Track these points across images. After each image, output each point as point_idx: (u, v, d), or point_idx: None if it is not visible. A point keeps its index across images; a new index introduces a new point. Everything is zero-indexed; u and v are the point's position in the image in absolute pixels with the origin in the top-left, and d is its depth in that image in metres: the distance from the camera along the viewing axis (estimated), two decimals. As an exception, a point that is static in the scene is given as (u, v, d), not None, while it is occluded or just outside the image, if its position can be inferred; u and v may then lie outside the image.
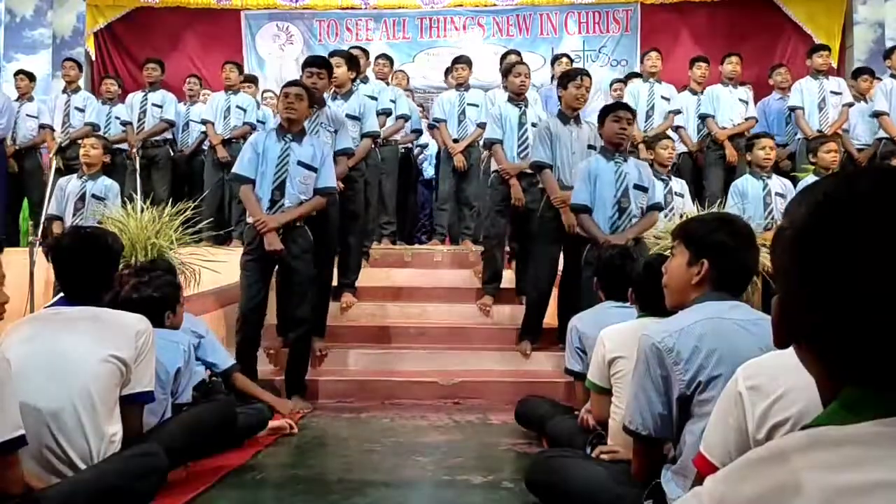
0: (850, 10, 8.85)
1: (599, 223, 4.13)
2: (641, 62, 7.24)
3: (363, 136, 4.97)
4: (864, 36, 8.69)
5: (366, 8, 9.52)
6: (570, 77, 4.66)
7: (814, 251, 0.66)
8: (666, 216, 4.90)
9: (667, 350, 1.83)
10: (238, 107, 6.94)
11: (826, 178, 0.70)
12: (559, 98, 4.72)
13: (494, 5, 9.53)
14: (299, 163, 4.02)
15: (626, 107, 4.38)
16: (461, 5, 9.55)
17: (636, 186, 4.19)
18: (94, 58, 9.37)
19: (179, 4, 9.46)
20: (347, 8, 9.54)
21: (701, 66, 6.95)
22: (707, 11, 9.23)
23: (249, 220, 4.05)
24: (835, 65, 8.46)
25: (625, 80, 7.45)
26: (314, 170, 4.05)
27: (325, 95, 4.70)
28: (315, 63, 4.52)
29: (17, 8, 8.88)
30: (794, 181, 5.49)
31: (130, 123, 7.08)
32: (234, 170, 4.16)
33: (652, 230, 4.34)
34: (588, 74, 4.82)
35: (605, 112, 4.28)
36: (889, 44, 7.78)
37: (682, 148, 6.91)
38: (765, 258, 4.33)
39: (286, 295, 4.15)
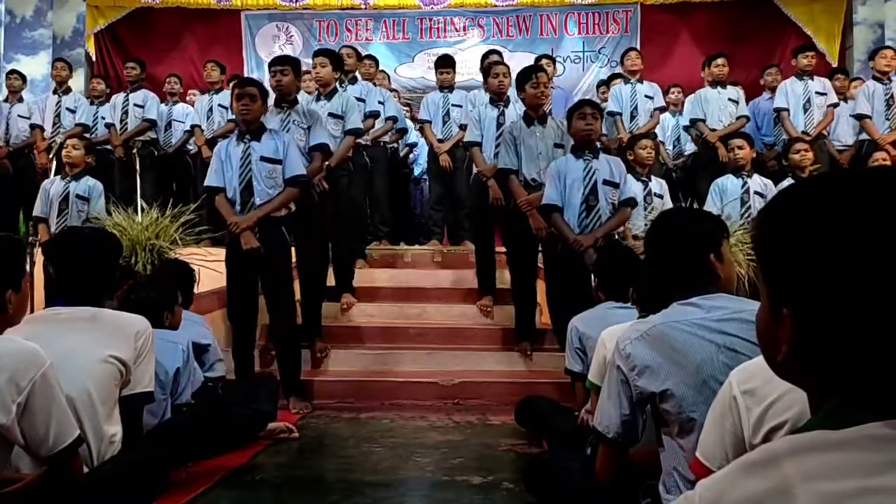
0: (850, 11, 8.82)
1: (569, 222, 4.12)
2: (621, 63, 7.05)
3: (345, 133, 4.91)
4: (864, 36, 8.66)
5: (366, 8, 9.51)
6: (525, 78, 4.55)
7: (860, 256, 0.61)
8: (646, 217, 4.85)
9: None
10: (220, 105, 6.91)
11: (816, 183, 0.68)
12: (522, 100, 4.64)
13: (494, 6, 9.51)
14: (262, 158, 4.02)
15: (590, 102, 4.37)
16: (461, 6, 9.53)
17: (606, 182, 4.16)
18: (94, 59, 9.37)
19: (179, 5, 9.44)
20: (347, 8, 9.53)
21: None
22: (707, 12, 9.21)
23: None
24: (835, 65, 8.46)
25: (608, 83, 7.37)
26: (279, 162, 4.04)
27: (307, 95, 4.66)
28: (278, 61, 4.52)
29: (17, 8, 8.86)
30: (784, 182, 5.48)
31: (113, 125, 6.99)
32: (205, 183, 4.20)
33: (630, 230, 4.32)
34: (543, 70, 4.74)
35: (570, 111, 4.30)
36: (889, 44, 7.76)
37: (692, 148, 6.91)
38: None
39: (266, 297, 4.20)
